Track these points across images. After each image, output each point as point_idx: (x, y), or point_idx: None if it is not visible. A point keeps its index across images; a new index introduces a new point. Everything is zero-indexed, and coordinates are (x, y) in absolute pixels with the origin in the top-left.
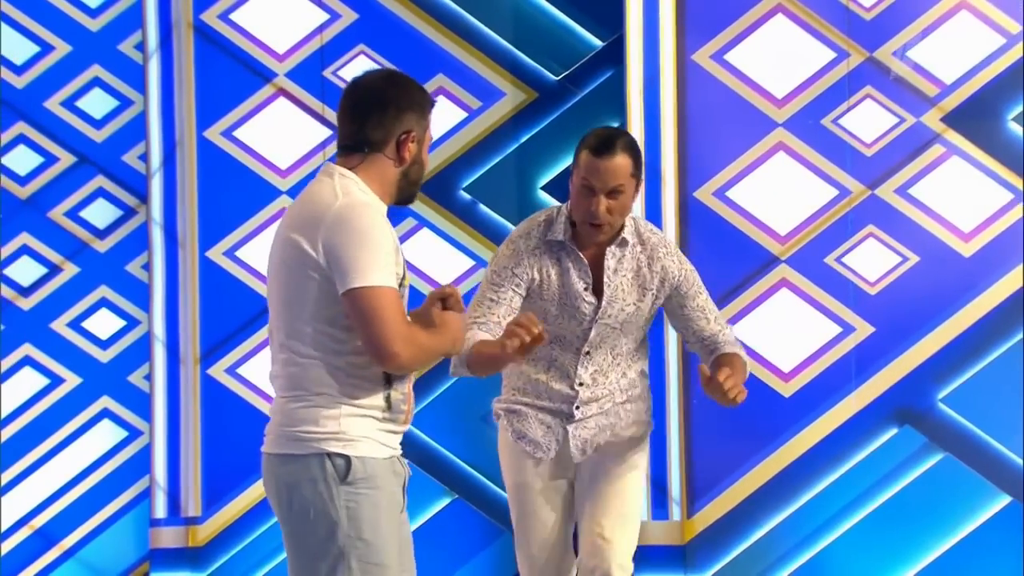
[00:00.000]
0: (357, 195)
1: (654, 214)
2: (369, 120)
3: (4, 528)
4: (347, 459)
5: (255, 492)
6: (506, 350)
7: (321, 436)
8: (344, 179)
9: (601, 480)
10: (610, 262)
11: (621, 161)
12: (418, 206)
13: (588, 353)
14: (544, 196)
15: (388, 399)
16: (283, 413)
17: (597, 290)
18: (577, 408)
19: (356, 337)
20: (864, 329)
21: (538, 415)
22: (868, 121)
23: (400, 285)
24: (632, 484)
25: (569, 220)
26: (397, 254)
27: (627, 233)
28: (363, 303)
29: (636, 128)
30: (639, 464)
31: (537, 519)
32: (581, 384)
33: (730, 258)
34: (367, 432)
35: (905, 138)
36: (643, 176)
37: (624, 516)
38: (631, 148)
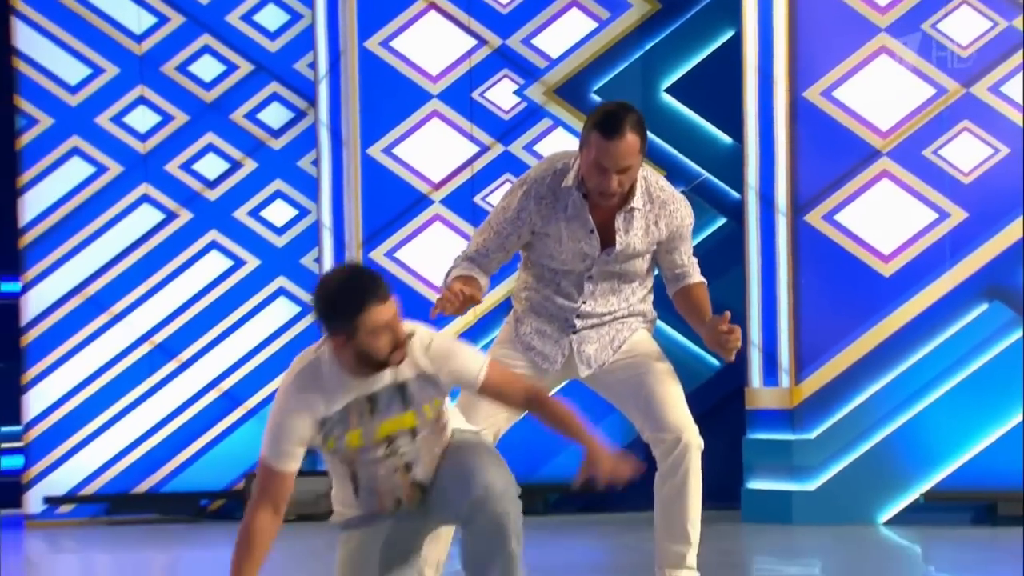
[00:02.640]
0: (286, 376)
1: (766, 114)
2: (320, 322)
3: (196, 391)
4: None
5: None
6: (442, 306)
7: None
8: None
9: (639, 389)
10: (620, 224)
11: (631, 140)
12: (554, 108)
13: (591, 278)
14: (667, 98)
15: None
16: None
17: (604, 235)
18: (577, 317)
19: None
20: (958, 215)
21: (545, 330)
22: (965, 26)
23: (326, 445)
24: (663, 373)
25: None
26: (293, 431)
27: (635, 201)
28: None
29: (751, 35)
30: (656, 353)
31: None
32: (584, 302)
33: (836, 152)
34: (339, 511)
35: (998, 40)
36: (646, 147)
37: (676, 402)
38: (638, 125)
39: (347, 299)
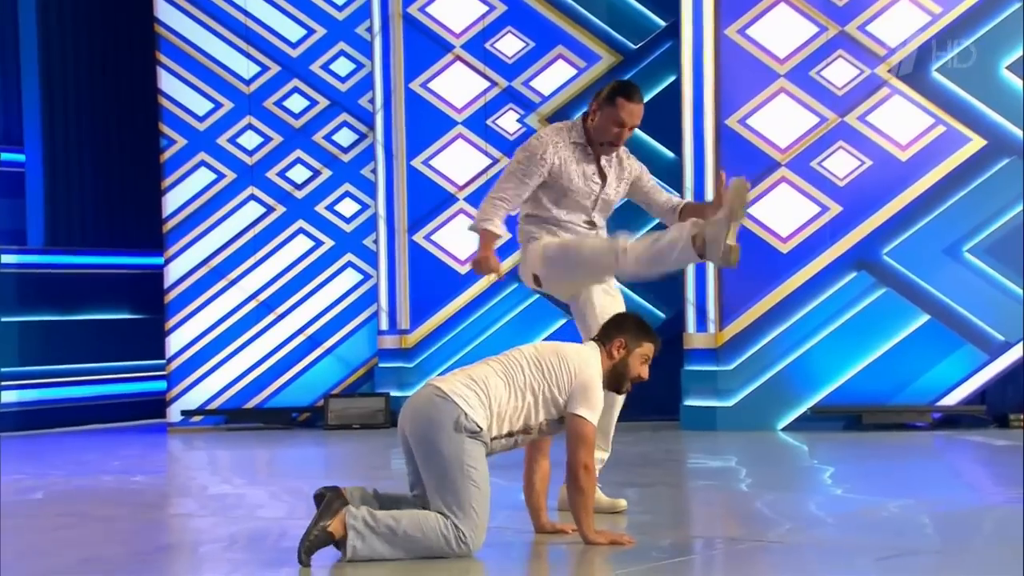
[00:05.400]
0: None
1: (699, 136)
2: None
3: (288, 335)
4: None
5: (441, 316)
6: (480, 266)
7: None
8: None
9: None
10: (605, 164)
11: (642, 106)
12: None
13: (594, 213)
14: None
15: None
16: None
17: (600, 177)
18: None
19: None
20: (835, 208)
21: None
22: (840, 73)
23: None
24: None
25: (584, 130)
26: None
27: (615, 153)
28: None
29: (687, 78)
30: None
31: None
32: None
33: (748, 163)
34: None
35: (864, 83)
36: None
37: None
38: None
39: None
